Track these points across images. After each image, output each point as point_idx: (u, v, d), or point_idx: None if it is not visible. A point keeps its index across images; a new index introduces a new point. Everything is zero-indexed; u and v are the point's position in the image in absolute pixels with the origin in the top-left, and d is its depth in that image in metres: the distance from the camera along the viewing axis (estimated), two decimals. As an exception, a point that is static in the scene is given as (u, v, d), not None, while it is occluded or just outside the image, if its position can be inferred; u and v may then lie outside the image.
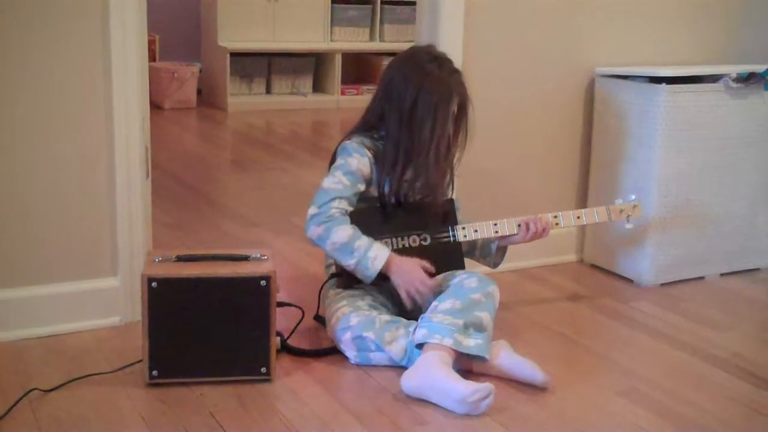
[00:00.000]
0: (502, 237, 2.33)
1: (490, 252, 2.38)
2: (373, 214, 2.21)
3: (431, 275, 2.17)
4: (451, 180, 2.33)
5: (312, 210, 2.15)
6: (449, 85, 2.19)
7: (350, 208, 2.17)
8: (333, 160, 2.26)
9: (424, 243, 2.24)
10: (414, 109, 2.17)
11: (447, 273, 2.20)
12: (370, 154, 2.22)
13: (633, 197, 2.50)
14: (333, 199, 2.14)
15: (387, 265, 2.12)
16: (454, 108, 2.21)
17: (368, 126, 2.27)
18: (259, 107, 6.13)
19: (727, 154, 2.82)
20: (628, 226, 2.50)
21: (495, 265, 2.41)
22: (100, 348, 2.16)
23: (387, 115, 2.22)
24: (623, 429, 1.88)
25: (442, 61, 2.23)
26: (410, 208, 2.24)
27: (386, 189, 2.22)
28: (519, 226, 2.31)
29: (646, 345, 2.34)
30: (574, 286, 2.80)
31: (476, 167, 2.71)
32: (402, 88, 2.19)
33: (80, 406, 1.87)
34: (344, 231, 2.12)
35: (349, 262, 2.13)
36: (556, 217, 2.38)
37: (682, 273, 2.84)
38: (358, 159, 2.20)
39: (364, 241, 2.12)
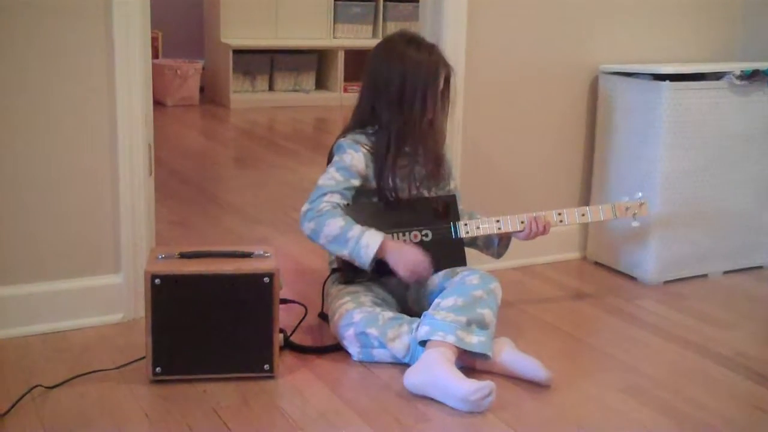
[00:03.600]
0: (504, 233, 2.32)
1: (493, 243, 2.38)
2: (374, 211, 2.21)
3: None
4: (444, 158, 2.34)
5: (304, 207, 2.16)
6: (431, 64, 2.22)
7: (343, 202, 2.17)
8: (330, 159, 2.26)
9: (425, 239, 2.24)
10: (403, 93, 2.19)
11: (448, 270, 2.20)
12: (365, 150, 2.22)
13: (640, 195, 2.49)
14: (324, 194, 2.15)
15: (381, 250, 2.11)
16: (441, 82, 2.24)
17: (361, 123, 2.27)
18: (261, 104, 6.13)
19: (730, 151, 2.82)
20: (635, 224, 2.49)
21: (499, 256, 2.40)
22: (103, 345, 2.16)
23: (377, 105, 2.23)
24: (626, 426, 1.88)
25: (418, 43, 2.25)
26: (411, 204, 2.24)
27: (386, 182, 2.21)
28: (522, 223, 2.30)
29: (649, 342, 2.34)
30: (577, 283, 2.79)
31: (479, 163, 2.71)
32: (387, 76, 2.21)
33: (83, 402, 1.87)
34: (336, 223, 2.12)
35: (343, 252, 2.13)
36: (560, 214, 2.37)
37: (685, 270, 2.84)
38: (352, 155, 2.21)
39: (356, 230, 2.12)
